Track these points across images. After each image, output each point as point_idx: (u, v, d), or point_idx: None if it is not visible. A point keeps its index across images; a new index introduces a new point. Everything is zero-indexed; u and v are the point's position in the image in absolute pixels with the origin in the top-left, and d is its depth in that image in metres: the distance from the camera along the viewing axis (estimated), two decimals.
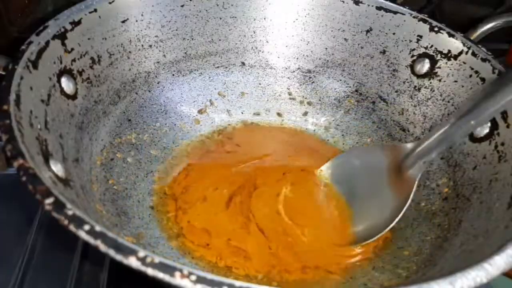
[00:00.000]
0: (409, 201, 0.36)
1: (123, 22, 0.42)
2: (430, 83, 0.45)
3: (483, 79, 0.40)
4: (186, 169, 0.44)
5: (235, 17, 0.48)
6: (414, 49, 0.46)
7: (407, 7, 0.46)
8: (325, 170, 0.43)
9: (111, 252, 0.21)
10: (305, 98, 0.51)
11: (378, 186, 0.38)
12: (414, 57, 0.46)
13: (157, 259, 0.21)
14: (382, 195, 0.37)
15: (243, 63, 0.50)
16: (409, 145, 0.39)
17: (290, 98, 0.52)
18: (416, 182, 0.37)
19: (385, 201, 0.36)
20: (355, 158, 0.42)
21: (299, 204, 0.40)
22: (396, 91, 0.47)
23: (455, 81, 0.43)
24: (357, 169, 0.40)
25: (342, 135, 0.49)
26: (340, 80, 0.50)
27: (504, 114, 0.38)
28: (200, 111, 0.49)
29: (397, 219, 0.36)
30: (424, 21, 0.45)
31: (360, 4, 0.47)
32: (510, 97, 0.32)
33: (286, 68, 0.51)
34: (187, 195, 0.40)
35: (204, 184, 0.42)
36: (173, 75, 0.47)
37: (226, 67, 0.50)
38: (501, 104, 0.32)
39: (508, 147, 0.36)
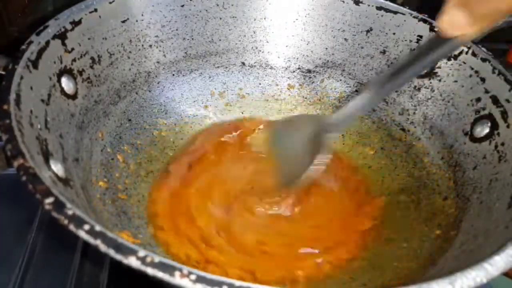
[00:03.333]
0: (316, 158, 0.39)
1: (123, 22, 0.42)
2: (430, 83, 0.45)
3: (483, 79, 0.40)
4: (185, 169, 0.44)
5: (235, 17, 0.48)
6: (414, 49, 0.46)
7: (407, 7, 0.46)
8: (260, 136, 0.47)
9: (111, 252, 0.21)
10: (305, 98, 0.51)
11: (302, 148, 0.41)
12: None
13: (157, 259, 0.21)
14: (303, 155, 0.40)
15: (243, 63, 0.50)
16: (329, 116, 0.41)
17: (290, 98, 0.52)
18: (328, 145, 0.39)
19: (304, 160, 0.40)
20: (287, 127, 0.45)
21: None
22: (396, 91, 0.47)
23: (455, 81, 0.43)
24: (288, 135, 0.44)
25: (342, 135, 0.49)
26: (340, 80, 0.50)
27: (504, 114, 0.38)
28: (200, 111, 0.49)
29: (306, 172, 0.39)
30: (424, 21, 0.45)
31: (360, 4, 0.47)
32: (425, 62, 0.32)
33: (286, 68, 0.51)
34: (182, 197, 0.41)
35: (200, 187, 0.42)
36: (173, 75, 0.47)
37: (226, 67, 0.50)
38: (417, 69, 0.33)
39: (508, 147, 0.36)
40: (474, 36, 0.28)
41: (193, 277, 0.21)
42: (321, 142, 0.38)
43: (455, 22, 0.27)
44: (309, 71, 0.51)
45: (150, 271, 0.21)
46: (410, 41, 0.46)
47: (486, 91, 0.40)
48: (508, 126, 0.37)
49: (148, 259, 0.21)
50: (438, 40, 0.29)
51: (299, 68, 0.51)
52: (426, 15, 0.45)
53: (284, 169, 0.41)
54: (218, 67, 0.50)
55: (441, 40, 0.29)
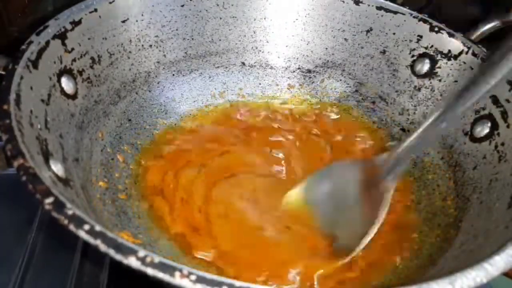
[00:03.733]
0: (383, 214, 0.35)
1: (123, 22, 0.42)
2: (430, 83, 0.45)
3: None
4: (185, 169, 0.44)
5: (235, 17, 0.48)
6: (414, 49, 0.46)
7: (407, 7, 0.46)
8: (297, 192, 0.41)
9: (111, 252, 0.21)
10: (305, 98, 0.51)
11: (353, 203, 0.37)
12: (414, 57, 0.46)
13: (157, 259, 0.21)
14: (357, 211, 0.36)
15: (243, 63, 0.50)
16: (381, 158, 0.36)
17: (290, 98, 0.52)
18: (390, 194, 0.35)
19: (361, 217, 0.36)
20: (329, 177, 0.40)
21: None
22: (396, 91, 0.47)
23: (455, 81, 0.43)
24: (332, 187, 0.39)
25: None
26: (340, 80, 0.50)
27: (504, 114, 0.38)
28: (200, 111, 0.49)
29: (371, 234, 0.35)
30: (424, 21, 0.45)
31: (360, 4, 0.47)
32: (476, 97, 0.30)
33: (286, 68, 0.51)
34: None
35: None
36: (173, 75, 0.47)
37: (226, 67, 0.50)
38: (468, 104, 0.31)
39: (508, 147, 0.36)
40: None
41: (193, 277, 0.21)
42: (377, 192, 0.34)
43: None
44: (309, 71, 0.51)
45: (150, 271, 0.21)
46: (410, 41, 0.46)
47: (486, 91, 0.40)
48: (508, 126, 0.37)
49: (148, 259, 0.21)
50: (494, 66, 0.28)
51: (299, 68, 0.51)
52: (426, 15, 0.45)
53: (340, 235, 0.36)
54: (218, 67, 0.50)
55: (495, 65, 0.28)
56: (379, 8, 0.47)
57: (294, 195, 0.41)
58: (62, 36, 0.36)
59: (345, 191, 0.38)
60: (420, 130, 0.33)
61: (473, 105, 0.30)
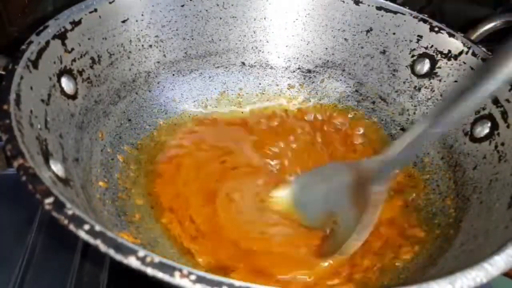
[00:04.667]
0: (373, 218, 0.34)
1: (123, 22, 0.42)
2: (430, 83, 0.45)
3: None
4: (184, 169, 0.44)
5: (235, 17, 0.48)
6: (414, 49, 0.46)
7: (407, 7, 0.46)
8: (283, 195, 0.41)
9: (111, 252, 0.21)
10: (305, 98, 0.51)
11: (343, 206, 0.36)
12: (414, 57, 0.46)
13: (156, 259, 0.21)
14: (347, 214, 0.36)
15: (243, 63, 0.50)
16: (372, 161, 0.36)
17: (290, 98, 0.52)
18: (381, 198, 0.35)
19: (351, 220, 0.35)
20: (317, 179, 0.40)
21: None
22: (396, 91, 0.47)
23: (455, 81, 0.43)
24: (322, 189, 0.39)
25: None
26: (340, 80, 0.50)
27: (504, 114, 0.38)
28: (200, 111, 0.49)
29: (362, 237, 0.35)
30: (424, 21, 0.45)
31: (360, 4, 0.47)
32: (474, 102, 0.29)
33: (286, 68, 0.51)
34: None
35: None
36: (173, 75, 0.47)
37: (226, 67, 0.50)
38: (464, 111, 0.29)
39: (508, 147, 0.36)
40: None
41: (193, 277, 0.21)
42: (365, 196, 0.33)
43: None
44: (309, 71, 0.51)
45: (150, 271, 0.21)
46: (410, 41, 0.46)
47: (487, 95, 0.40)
48: (508, 126, 0.37)
49: (148, 259, 0.21)
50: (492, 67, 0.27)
51: (299, 68, 0.51)
52: (426, 15, 0.45)
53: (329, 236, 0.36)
54: (218, 67, 0.50)
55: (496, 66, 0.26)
56: (379, 8, 0.47)
57: (283, 195, 0.41)
58: (62, 36, 0.36)
59: (336, 193, 0.37)
60: (413, 134, 0.31)
61: (472, 110, 0.29)
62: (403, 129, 0.47)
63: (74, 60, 0.37)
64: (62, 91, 0.34)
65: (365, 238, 0.34)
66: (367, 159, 0.37)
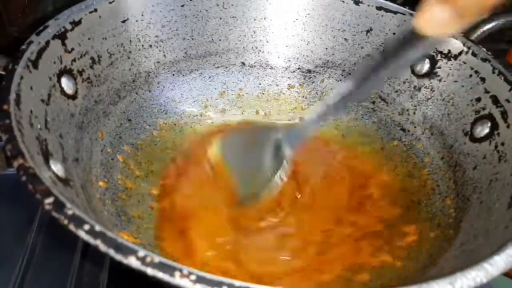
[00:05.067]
0: (278, 172, 0.37)
1: (123, 22, 0.42)
2: (430, 83, 0.45)
3: (483, 79, 0.40)
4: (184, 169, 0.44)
5: (235, 17, 0.48)
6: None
7: (407, 7, 0.46)
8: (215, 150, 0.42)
9: (111, 252, 0.21)
10: (305, 98, 0.51)
11: (261, 162, 0.39)
12: None
13: (156, 259, 0.21)
14: (262, 169, 0.39)
15: (243, 63, 0.50)
16: (287, 127, 0.39)
17: (290, 98, 0.52)
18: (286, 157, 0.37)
19: (264, 175, 0.39)
20: (244, 137, 0.43)
21: None
22: (396, 91, 0.47)
23: (455, 81, 0.43)
24: (245, 146, 0.42)
25: (342, 135, 0.49)
26: (340, 80, 0.50)
27: (504, 114, 0.38)
28: (200, 111, 0.49)
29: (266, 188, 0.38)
30: None
31: (360, 4, 0.47)
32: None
33: (286, 68, 0.51)
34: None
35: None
36: (173, 75, 0.47)
37: (226, 67, 0.50)
38: (387, 73, 0.30)
39: (508, 147, 0.36)
40: (453, 34, 0.26)
41: (193, 277, 0.21)
42: (281, 155, 0.37)
43: (436, 20, 0.25)
44: (309, 71, 0.51)
45: (150, 271, 0.21)
46: None
47: (486, 91, 0.40)
48: (508, 126, 0.37)
49: (148, 259, 0.21)
50: (413, 39, 0.27)
51: (299, 68, 0.51)
52: None
53: (243, 185, 0.39)
54: (218, 67, 0.50)
55: (417, 39, 0.27)
56: (379, 8, 0.47)
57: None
58: (62, 36, 0.36)
59: (255, 154, 0.40)
60: (329, 101, 0.33)
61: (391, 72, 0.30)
62: (403, 129, 0.47)
63: (74, 60, 0.37)
64: (62, 91, 0.34)
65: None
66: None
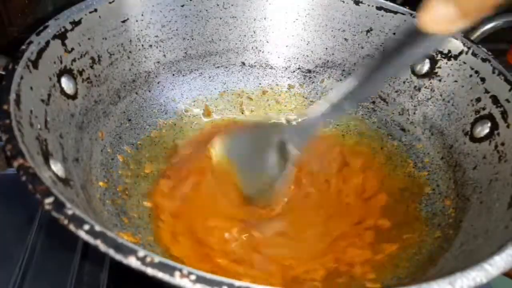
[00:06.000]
0: (285, 171, 0.38)
1: (123, 22, 0.42)
2: (430, 83, 0.45)
3: (483, 79, 0.40)
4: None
5: (235, 17, 0.48)
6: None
7: (407, 7, 0.46)
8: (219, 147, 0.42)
9: (111, 252, 0.21)
10: (305, 98, 0.51)
11: (265, 161, 0.40)
12: None
13: (156, 259, 0.21)
14: (267, 168, 0.40)
15: (243, 63, 0.50)
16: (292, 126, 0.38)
17: (290, 98, 0.52)
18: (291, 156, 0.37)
19: (271, 173, 0.39)
20: (248, 136, 0.43)
21: None
22: (396, 91, 0.47)
23: (455, 81, 0.43)
24: (250, 144, 0.42)
25: (342, 135, 0.49)
26: (340, 80, 0.50)
27: (504, 114, 0.38)
28: (200, 111, 0.49)
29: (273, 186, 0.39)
30: None
31: (360, 4, 0.47)
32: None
33: (286, 68, 0.51)
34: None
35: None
36: (173, 75, 0.47)
37: (226, 67, 0.50)
38: (391, 70, 0.31)
39: (508, 147, 0.36)
40: (456, 32, 0.26)
41: (193, 277, 0.21)
42: (286, 154, 0.37)
43: (440, 17, 0.25)
44: (309, 71, 0.51)
45: (150, 271, 0.21)
46: None
47: (486, 91, 0.40)
48: (508, 126, 0.37)
49: (148, 259, 0.21)
50: (417, 36, 0.27)
51: (299, 68, 0.51)
52: None
53: (247, 184, 0.40)
54: (218, 67, 0.50)
55: (421, 36, 0.27)
56: (379, 8, 0.47)
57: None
58: (62, 36, 0.36)
59: (260, 152, 0.40)
60: (331, 100, 0.33)
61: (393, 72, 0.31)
62: (403, 129, 0.47)
63: (74, 60, 0.37)
64: (62, 91, 0.35)
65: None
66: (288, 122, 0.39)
